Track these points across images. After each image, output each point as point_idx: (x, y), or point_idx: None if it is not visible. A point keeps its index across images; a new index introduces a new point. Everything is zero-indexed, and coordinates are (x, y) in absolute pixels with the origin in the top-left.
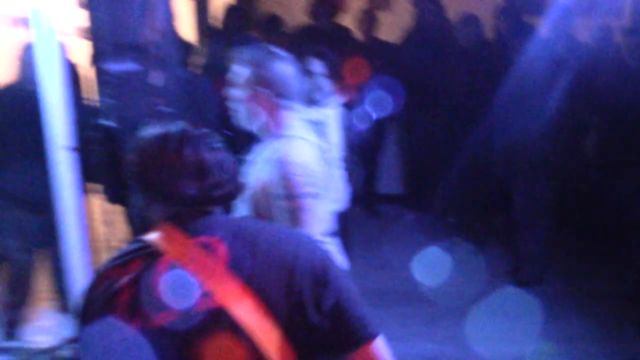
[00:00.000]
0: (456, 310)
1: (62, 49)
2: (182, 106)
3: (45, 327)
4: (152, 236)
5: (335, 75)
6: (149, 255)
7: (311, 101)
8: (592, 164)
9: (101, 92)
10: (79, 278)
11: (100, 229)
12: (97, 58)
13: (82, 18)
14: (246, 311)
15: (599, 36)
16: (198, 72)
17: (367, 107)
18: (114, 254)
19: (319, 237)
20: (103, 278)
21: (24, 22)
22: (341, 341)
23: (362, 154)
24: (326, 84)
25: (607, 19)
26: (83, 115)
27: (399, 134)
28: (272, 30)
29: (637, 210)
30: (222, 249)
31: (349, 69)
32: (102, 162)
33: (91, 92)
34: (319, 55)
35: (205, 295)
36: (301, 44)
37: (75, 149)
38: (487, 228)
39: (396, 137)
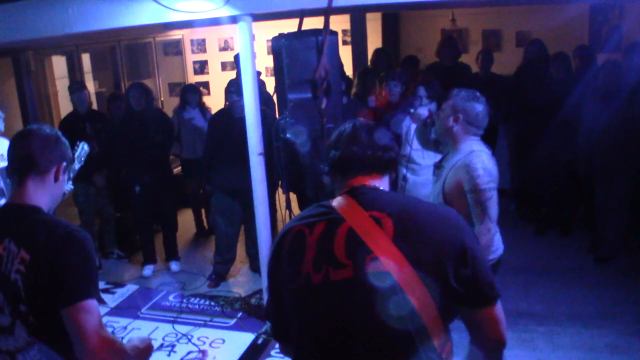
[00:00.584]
0: (548, 278)
1: (259, 83)
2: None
3: (241, 281)
4: (335, 203)
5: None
6: (331, 221)
7: None
8: None
9: (283, 114)
10: (265, 247)
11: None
12: (281, 89)
13: (272, 61)
14: (405, 277)
15: None
16: (354, 98)
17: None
18: (302, 213)
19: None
20: (292, 232)
21: (233, 65)
22: (472, 301)
23: None
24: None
25: None
26: (271, 130)
27: (506, 139)
28: (410, 67)
29: None
30: (389, 224)
31: None
32: (282, 163)
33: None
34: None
35: (375, 260)
36: (430, 77)
37: (262, 154)
38: (573, 216)
39: (504, 142)
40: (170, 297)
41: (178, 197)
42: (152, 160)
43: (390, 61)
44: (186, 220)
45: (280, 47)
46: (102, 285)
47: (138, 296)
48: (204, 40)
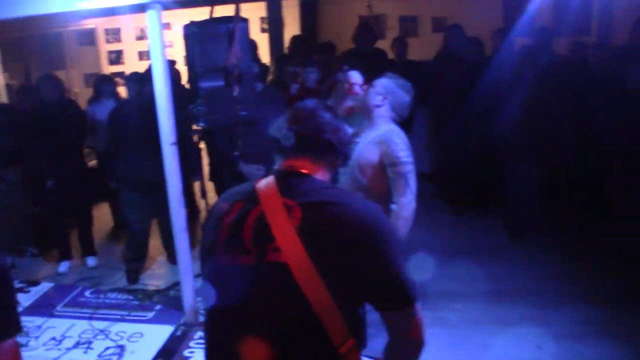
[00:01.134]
0: (466, 258)
1: (171, 72)
2: (257, 111)
3: (158, 273)
4: (259, 184)
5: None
6: (248, 202)
7: None
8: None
9: (196, 103)
10: (182, 238)
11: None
12: (193, 78)
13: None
14: (302, 271)
15: (573, 50)
16: (270, 86)
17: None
18: (231, 190)
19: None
20: (215, 211)
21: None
22: (387, 302)
23: None
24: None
25: (579, 37)
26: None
27: (423, 124)
28: (327, 53)
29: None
30: (297, 214)
31: None
32: (197, 152)
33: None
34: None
35: (275, 249)
36: (347, 63)
37: (174, 144)
38: (489, 196)
39: (421, 129)
40: (87, 293)
41: (94, 191)
42: (64, 153)
43: (308, 48)
44: (103, 214)
45: (191, 35)
46: (16, 284)
47: (53, 294)
48: (119, 30)
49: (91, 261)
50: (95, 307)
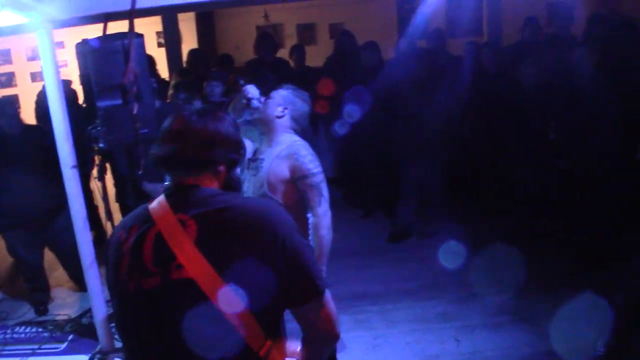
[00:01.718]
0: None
1: (67, 92)
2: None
3: (69, 302)
4: (152, 205)
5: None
6: (143, 225)
7: None
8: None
9: (94, 123)
10: (89, 262)
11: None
12: (89, 97)
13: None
14: (208, 282)
15: (466, 49)
16: (169, 102)
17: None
18: (126, 217)
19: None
20: (114, 239)
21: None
22: (296, 297)
23: None
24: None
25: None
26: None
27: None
28: (225, 65)
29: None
30: (192, 227)
31: None
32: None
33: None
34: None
35: (179, 266)
36: (249, 74)
37: (74, 167)
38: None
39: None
40: None
41: None
42: None
43: (207, 61)
44: (3, 245)
45: (85, 53)
46: None
47: None
48: (8, 51)
49: None
50: (3, 344)
